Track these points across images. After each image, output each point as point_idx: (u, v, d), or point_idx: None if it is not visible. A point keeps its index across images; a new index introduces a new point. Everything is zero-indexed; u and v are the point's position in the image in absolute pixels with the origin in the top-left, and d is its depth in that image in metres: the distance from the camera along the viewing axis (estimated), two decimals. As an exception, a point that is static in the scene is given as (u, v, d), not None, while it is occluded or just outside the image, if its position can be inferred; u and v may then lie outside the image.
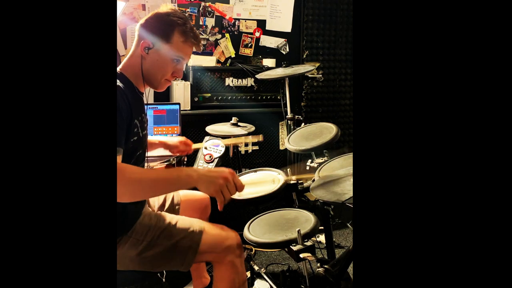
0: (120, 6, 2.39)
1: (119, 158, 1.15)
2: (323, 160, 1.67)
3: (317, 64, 3.18)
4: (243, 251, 1.42)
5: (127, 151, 1.24)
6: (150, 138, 1.63)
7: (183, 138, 1.68)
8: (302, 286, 1.41)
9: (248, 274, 1.84)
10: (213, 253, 1.36)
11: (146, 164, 1.46)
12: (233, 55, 2.98)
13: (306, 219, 1.29)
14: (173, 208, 1.61)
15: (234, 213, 2.43)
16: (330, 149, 1.69)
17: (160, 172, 1.26)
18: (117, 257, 1.27)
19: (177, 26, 1.28)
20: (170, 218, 1.40)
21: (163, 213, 1.44)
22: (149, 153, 1.55)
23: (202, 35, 2.90)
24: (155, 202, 1.60)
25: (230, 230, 1.44)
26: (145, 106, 1.41)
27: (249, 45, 3.03)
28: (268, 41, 3.09)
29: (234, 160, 2.22)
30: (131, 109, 1.23)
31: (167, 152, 1.75)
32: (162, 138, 1.69)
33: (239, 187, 1.16)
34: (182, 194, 1.64)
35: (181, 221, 1.40)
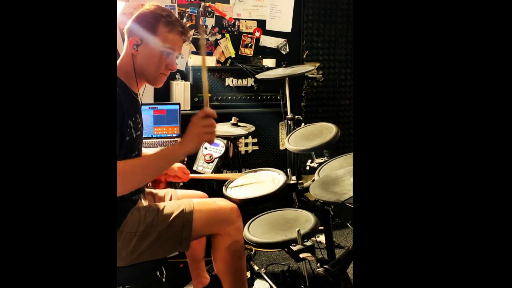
0: (120, 6, 2.39)
1: None
2: (323, 160, 1.67)
3: (317, 64, 3.18)
4: (241, 222, 1.43)
5: (121, 152, 1.25)
6: (146, 151, 1.61)
7: (182, 166, 1.68)
8: (302, 286, 1.41)
9: (248, 274, 1.83)
10: (209, 227, 1.39)
11: None
12: (233, 55, 2.98)
13: (306, 219, 1.29)
14: None
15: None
16: (330, 149, 1.69)
17: (147, 157, 1.31)
18: None
19: (161, 17, 1.29)
20: (158, 205, 1.42)
21: (152, 204, 1.45)
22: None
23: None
24: (161, 195, 1.61)
25: (224, 201, 1.46)
26: (140, 107, 1.41)
27: (249, 45, 3.03)
28: (268, 41, 3.09)
29: (234, 160, 2.22)
30: (123, 110, 1.24)
31: None
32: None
33: (211, 114, 1.25)
34: (180, 194, 1.65)
35: (170, 204, 1.42)
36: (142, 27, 1.29)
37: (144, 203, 1.48)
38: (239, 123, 2.13)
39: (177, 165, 1.66)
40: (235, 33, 2.99)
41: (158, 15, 1.30)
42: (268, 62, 2.90)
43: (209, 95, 2.63)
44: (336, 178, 1.22)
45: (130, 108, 1.29)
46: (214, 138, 1.28)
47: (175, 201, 1.45)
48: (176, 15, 2.79)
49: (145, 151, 1.58)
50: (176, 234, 1.35)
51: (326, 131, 1.70)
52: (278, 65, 2.74)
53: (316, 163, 1.69)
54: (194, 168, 2.03)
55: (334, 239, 2.26)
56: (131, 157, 1.32)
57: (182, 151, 1.24)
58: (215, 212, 1.41)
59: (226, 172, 2.34)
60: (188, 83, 2.56)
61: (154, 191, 1.61)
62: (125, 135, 1.26)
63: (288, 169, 1.67)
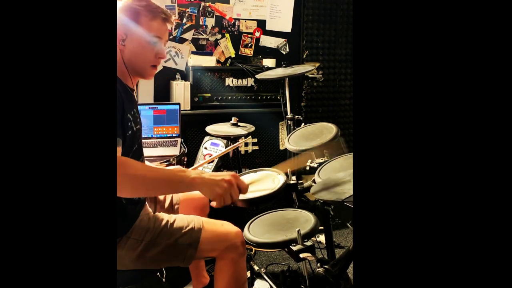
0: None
1: (119, 151, 1.15)
2: (323, 160, 1.67)
3: (317, 64, 3.18)
4: (245, 248, 1.42)
5: (125, 147, 1.24)
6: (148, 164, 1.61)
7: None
8: (302, 286, 1.41)
9: (248, 274, 1.83)
10: (214, 250, 1.37)
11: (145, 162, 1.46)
12: (233, 55, 2.98)
13: (306, 219, 1.29)
14: (172, 208, 1.62)
15: (234, 213, 2.43)
16: (330, 149, 1.69)
17: (164, 171, 1.22)
18: (118, 258, 1.28)
19: (141, 7, 1.27)
20: (168, 217, 1.41)
21: (161, 213, 1.45)
22: (149, 153, 1.54)
23: (202, 35, 2.90)
24: (160, 198, 1.60)
25: (231, 226, 1.45)
26: (137, 102, 1.40)
27: (249, 45, 3.03)
28: (268, 41, 3.09)
29: (234, 160, 2.22)
30: (122, 102, 1.22)
31: (167, 152, 1.75)
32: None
33: (243, 190, 1.14)
34: (182, 195, 1.64)
35: (179, 219, 1.40)
36: (124, 21, 1.26)
37: (148, 205, 1.48)
38: (239, 123, 2.13)
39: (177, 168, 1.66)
40: (235, 33, 2.99)
41: (137, 5, 1.27)
42: (268, 62, 2.90)
43: (208, 95, 2.62)
44: (337, 180, 1.22)
45: (128, 102, 1.29)
46: (221, 205, 1.14)
47: (185, 217, 1.43)
48: (176, 15, 2.80)
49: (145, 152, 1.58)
50: (181, 252, 1.33)
51: (326, 131, 1.70)
52: (278, 65, 2.74)
53: (316, 163, 1.69)
54: (194, 168, 2.03)
55: (334, 239, 2.26)
56: (132, 151, 1.30)
57: (198, 189, 1.13)
58: (222, 236, 1.39)
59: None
60: (188, 83, 2.56)
61: None
62: (126, 128, 1.24)
63: (288, 169, 1.67)
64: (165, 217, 1.40)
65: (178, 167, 1.64)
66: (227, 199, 1.11)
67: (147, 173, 1.14)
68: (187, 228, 1.36)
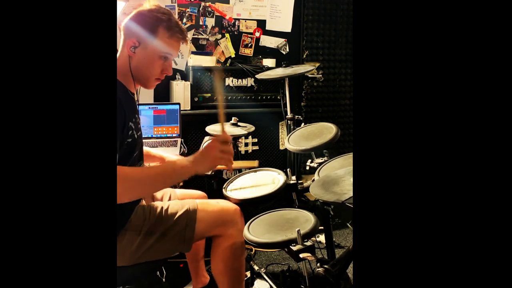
0: (120, 6, 2.39)
1: None
2: (323, 160, 1.67)
3: (317, 64, 3.18)
4: (243, 219, 1.43)
5: (123, 153, 1.25)
6: (150, 150, 1.62)
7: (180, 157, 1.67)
8: (302, 286, 1.41)
9: (248, 274, 1.84)
10: (212, 228, 1.39)
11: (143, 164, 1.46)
12: (233, 55, 2.98)
13: (306, 219, 1.29)
14: None
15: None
16: (330, 149, 1.69)
17: (156, 168, 1.27)
18: (118, 253, 1.28)
19: (161, 22, 1.27)
20: (161, 204, 1.42)
21: (155, 202, 1.45)
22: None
23: (202, 35, 2.90)
24: (158, 197, 1.61)
25: (227, 203, 1.47)
26: (138, 107, 1.41)
27: (249, 45, 3.03)
28: (268, 41, 3.09)
29: (234, 160, 2.22)
30: (124, 112, 1.22)
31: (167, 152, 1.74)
32: (163, 154, 1.65)
33: (228, 141, 1.23)
34: (179, 193, 1.65)
35: (173, 204, 1.42)
36: (140, 29, 1.26)
37: (144, 202, 1.48)
38: (239, 123, 2.13)
39: (176, 157, 1.66)
40: (235, 33, 2.99)
41: (158, 18, 1.26)
42: (268, 62, 2.90)
43: (208, 95, 2.63)
44: (336, 178, 1.22)
45: (130, 109, 1.29)
46: (231, 166, 1.24)
47: (179, 201, 1.45)
48: (176, 15, 2.79)
49: (147, 149, 1.58)
50: (179, 234, 1.35)
51: (326, 131, 1.70)
52: (278, 65, 2.74)
53: (316, 163, 1.69)
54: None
55: (334, 239, 2.26)
56: (132, 158, 1.31)
57: (192, 170, 1.20)
58: (218, 213, 1.41)
59: (226, 172, 2.34)
60: (188, 83, 2.56)
61: None
62: (126, 137, 1.25)
63: (288, 169, 1.67)
64: (159, 204, 1.41)
65: (174, 157, 1.64)
66: (225, 161, 1.21)
67: (141, 174, 1.19)
68: (182, 211, 1.37)
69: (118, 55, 1.33)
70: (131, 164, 1.30)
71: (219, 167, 1.22)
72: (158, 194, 1.62)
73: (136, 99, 1.41)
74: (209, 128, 2.10)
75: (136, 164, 1.35)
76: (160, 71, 1.33)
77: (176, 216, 1.36)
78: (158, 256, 1.36)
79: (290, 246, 1.16)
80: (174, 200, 1.48)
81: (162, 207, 1.39)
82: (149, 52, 1.28)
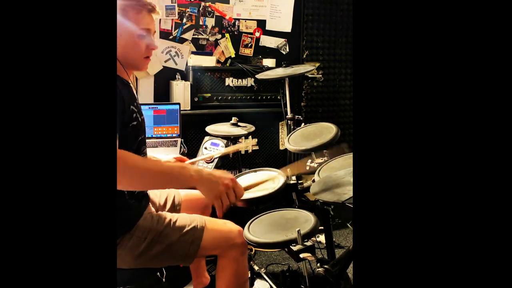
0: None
1: None
2: (323, 160, 1.67)
3: (317, 64, 3.18)
4: (246, 247, 1.43)
5: (130, 136, 1.25)
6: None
7: (178, 156, 1.66)
8: (302, 286, 1.41)
9: (248, 274, 1.83)
10: (216, 248, 1.39)
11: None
12: (233, 55, 2.98)
13: (306, 219, 1.29)
14: (174, 208, 1.62)
15: (234, 212, 2.43)
16: (330, 149, 1.69)
17: (163, 165, 1.23)
18: (120, 256, 1.29)
19: (126, 2, 1.28)
20: (170, 216, 1.42)
21: (164, 213, 1.45)
22: (148, 153, 1.54)
23: (202, 35, 2.90)
24: (155, 201, 1.61)
25: (233, 225, 1.47)
26: (136, 95, 1.41)
27: (249, 45, 3.03)
28: (268, 41, 3.09)
29: (234, 160, 2.22)
30: (122, 96, 1.24)
31: (167, 152, 1.75)
32: (158, 156, 1.63)
33: (239, 195, 1.15)
34: (183, 194, 1.65)
35: (182, 218, 1.42)
36: None
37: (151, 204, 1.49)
38: (239, 123, 2.13)
39: (174, 155, 1.66)
40: (235, 33, 2.99)
41: (124, 2, 1.28)
42: (268, 62, 2.90)
43: (208, 95, 2.63)
44: (336, 178, 1.22)
45: (128, 95, 1.30)
46: (225, 207, 1.14)
47: (188, 216, 1.45)
48: (176, 15, 2.80)
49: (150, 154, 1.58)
50: (183, 249, 1.35)
51: (326, 131, 1.70)
52: (278, 65, 2.74)
53: (316, 163, 1.69)
54: (194, 168, 2.03)
55: (334, 239, 2.26)
56: (138, 141, 1.32)
57: (194, 184, 1.14)
58: (224, 234, 1.41)
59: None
60: (188, 83, 2.56)
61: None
62: (131, 119, 1.26)
63: (288, 169, 1.67)
64: (168, 216, 1.41)
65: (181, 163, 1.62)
66: (224, 201, 1.12)
67: (146, 166, 1.14)
68: (190, 227, 1.37)
69: None
70: (137, 147, 1.31)
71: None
72: (163, 194, 1.61)
73: (133, 88, 1.41)
74: (209, 128, 2.10)
75: (141, 147, 1.36)
76: (145, 48, 1.33)
77: (183, 231, 1.36)
78: (158, 265, 1.38)
79: (290, 246, 1.16)
80: (183, 214, 1.47)
81: (170, 219, 1.39)
82: (128, 35, 1.29)
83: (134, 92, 1.40)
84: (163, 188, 1.58)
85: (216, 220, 1.47)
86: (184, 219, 1.40)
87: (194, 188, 1.14)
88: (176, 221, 1.39)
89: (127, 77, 1.37)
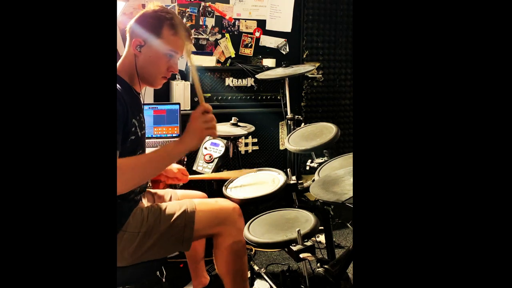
0: (120, 6, 2.39)
1: None
2: (323, 160, 1.67)
3: (317, 64, 3.19)
4: (243, 222, 1.43)
5: (127, 151, 1.26)
6: None
7: (182, 167, 1.68)
8: (302, 286, 1.41)
9: (248, 274, 1.83)
10: (210, 227, 1.40)
11: None
12: (233, 55, 2.98)
13: (306, 219, 1.29)
14: None
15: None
16: (330, 149, 1.69)
17: (149, 154, 1.29)
18: (117, 254, 1.28)
19: (166, 20, 1.29)
20: (160, 205, 1.42)
21: (153, 204, 1.45)
22: None
23: (202, 35, 2.90)
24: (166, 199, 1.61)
25: (226, 201, 1.47)
26: (143, 107, 1.41)
27: (249, 45, 3.03)
28: (268, 41, 3.09)
29: (234, 160, 2.22)
30: (127, 109, 1.24)
31: None
32: None
33: (209, 109, 1.26)
34: (180, 194, 1.65)
35: (171, 205, 1.42)
36: (145, 28, 1.28)
37: (145, 203, 1.49)
38: (239, 123, 2.13)
39: (177, 166, 1.66)
40: (235, 33, 2.99)
41: (163, 17, 1.29)
42: (268, 62, 2.90)
43: (208, 95, 2.63)
44: (336, 178, 1.22)
45: (134, 107, 1.30)
46: (216, 133, 1.29)
47: (177, 202, 1.46)
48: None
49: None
50: (178, 234, 1.35)
51: (326, 131, 1.70)
52: (278, 65, 2.74)
53: (316, 163, 1.69)
54: (194, 168, 2.03)
55: (334, 239, 2.26)
56: (137, 156, 1.32)
57: (183, 148, 1.24)
58: (217, 212, 1.42)
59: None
60: (188, 83, 2.56)
61: (153, 191, 1.61)
62: (129, 133, 1.26)
63: (288, 169, 1.67)
64: (157, 206, 1.42)
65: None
66: (210, 130, 1.26)
67: (135, 162, 1.22)
68: (180, 211, 1.38)
69: (123, 55, 1.34)
70: None
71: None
72: (160, 193, 1.61)
73: (142, 98, 1.41)
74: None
75: None
76: (166, 68, 1.34)
77: (174, 217, 1.36)
78: (157, 255, 1.37)
79: (290, 246, 1.16)
80: (172, 201, 1.48)
81: (160, 208, 1.39)
82: (155, 50, 1.29)
83: (142, 104, 1.41)
84: (160, 172, 1.58)
85: (206, 201, 1.49)
86: (173, 206, 1.41)
87: (184, 163, 1.19)
88: (165, 209, 1.39)
89: (139, 89, 1.38)
